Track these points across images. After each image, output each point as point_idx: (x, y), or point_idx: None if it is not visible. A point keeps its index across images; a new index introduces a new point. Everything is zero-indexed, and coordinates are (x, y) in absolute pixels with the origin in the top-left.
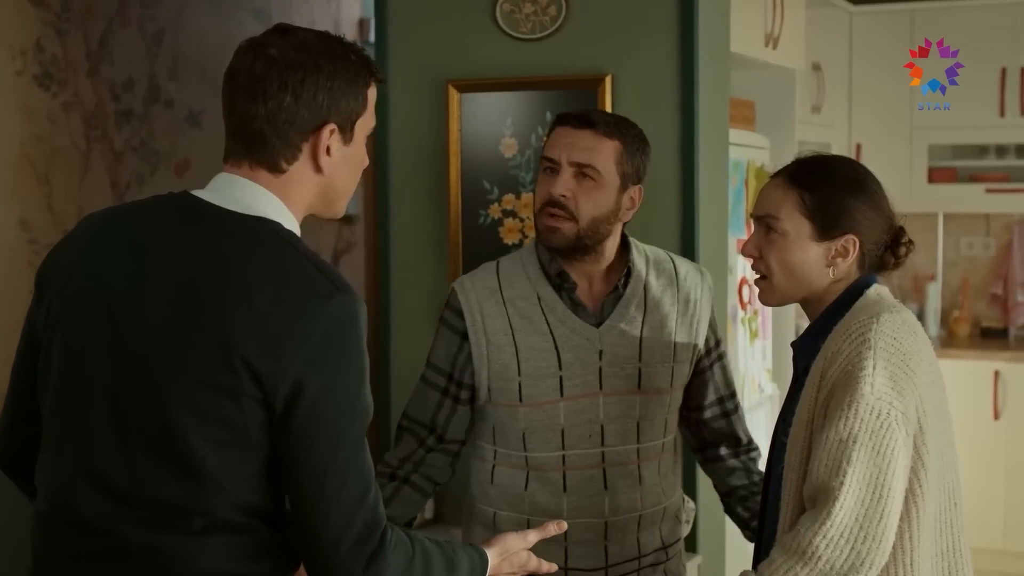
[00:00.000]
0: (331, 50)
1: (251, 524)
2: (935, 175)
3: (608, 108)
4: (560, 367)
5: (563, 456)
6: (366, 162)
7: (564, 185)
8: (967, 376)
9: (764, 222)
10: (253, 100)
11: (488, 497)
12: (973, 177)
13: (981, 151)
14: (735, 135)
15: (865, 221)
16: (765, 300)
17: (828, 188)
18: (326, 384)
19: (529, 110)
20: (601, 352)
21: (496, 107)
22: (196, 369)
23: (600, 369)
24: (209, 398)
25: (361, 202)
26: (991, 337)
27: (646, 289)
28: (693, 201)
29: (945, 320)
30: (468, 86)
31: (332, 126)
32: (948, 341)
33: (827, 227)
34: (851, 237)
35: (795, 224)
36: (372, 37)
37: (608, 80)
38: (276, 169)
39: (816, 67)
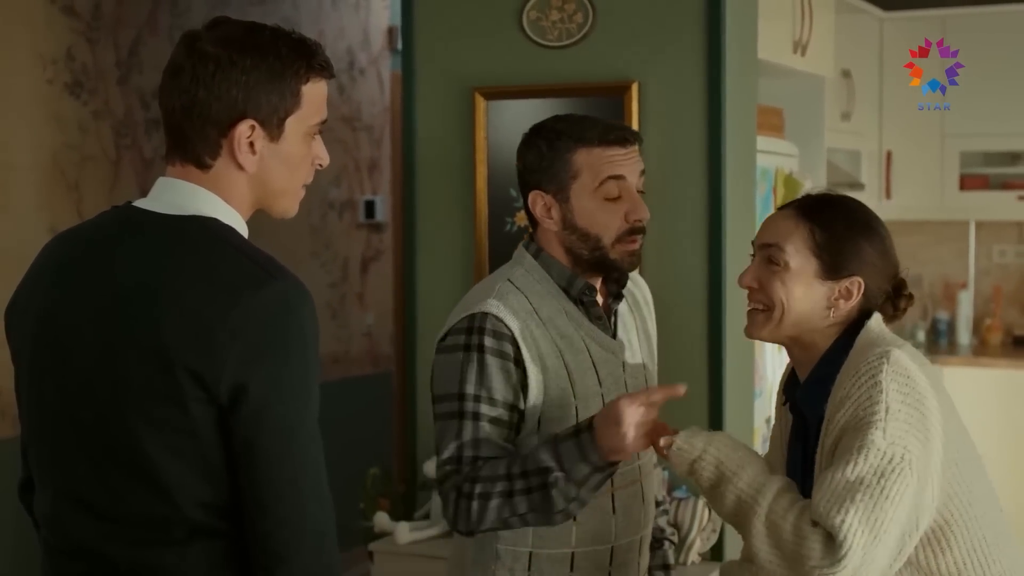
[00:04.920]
0: (254, 43)
1: (230, 528)
2: (966, 182)
3: (635, 115)
4: (600, 384)
5: (612, 477)
6: (321, 158)
7: (644, 205)
8: (999, 385)
9: (767, 252)
10: (170, 93)
11: (522, 537)
12: (1005, 184)
13: (1013, 158)
14: (763, 142)
15: (872, 266)
16: (753, 332)
17: (840, 227)
18: (268, 377)
19: None
20: (624, 364)
21: (523, 114)
22: (139, 380)
23: (625, 382)
24: (157, 407)
25: (389, 210)
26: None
27: (628, 296)
28: (720, 209)
29: (977, 328)
30: (495, 93)
31: (251, 122)
32: (980, 349)
33: (835, 267)
34: (857, 280)
35: (801, 259)
36: (400, 45)
37: (635, 87)
38: (202, 165)
39: (846, 74)
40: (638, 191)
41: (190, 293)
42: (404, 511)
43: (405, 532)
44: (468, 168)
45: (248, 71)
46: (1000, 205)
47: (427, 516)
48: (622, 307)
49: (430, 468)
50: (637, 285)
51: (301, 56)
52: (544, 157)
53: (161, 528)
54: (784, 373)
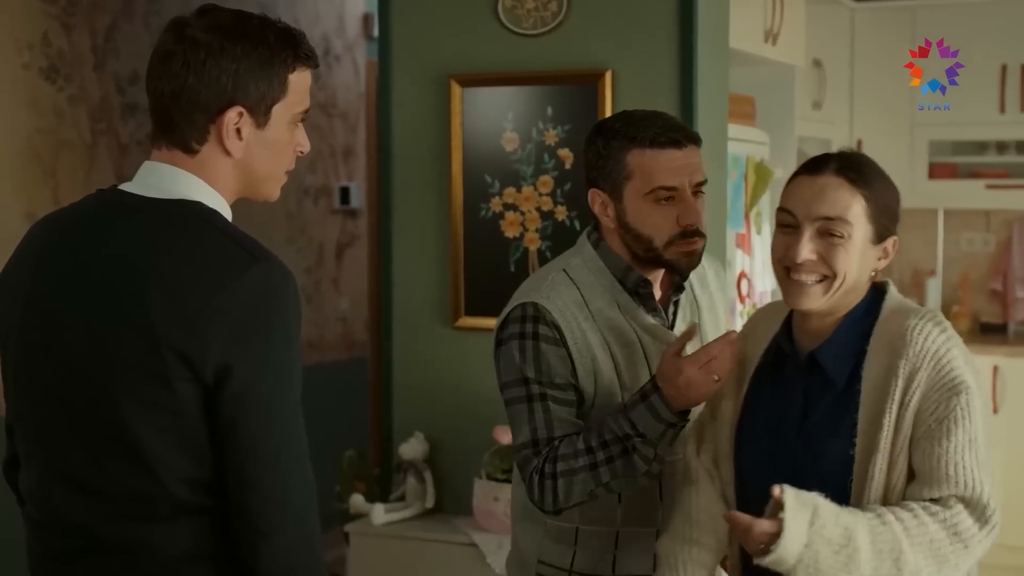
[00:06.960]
0: (244, 31)
1: (214, 504)
2: (935, 171)
3: (608, 103)
4: (651, 374)
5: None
6: (302, 146)
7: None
8: None
9: (827, 225)
10: (159, 79)
11: (567, 512)
12: (973, 173)
13: (981, 147)
14: (735, 130)
15: (899, 223)
16: (810, 303)
17: (883, 189)
18: (253, 358)
19: (530, 105)
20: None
21: (497, 102)
22: (127, 360)
23: None
24: (144, 386)
25: (364, 196)
26: (990, 332)
27: (691, 284)
28: None
29: (944, 315)
30: (470, 81)
31: (239, 109)
32: None
33: (884, 230)
34: (895, 239)
35: (863, 228)
36: (376, 32)
37: (608, 75)
38: (189, 150)
39: (817, 63)
40: (696, 191)
41: (176, 275)
42: (380, 493)
43: (380, 513)
44: (443, 155)
45: (239, 59)
46: (968, 194)
47: (402, 498)
48: (684, 297)
49: (404, 451)
50: (708, 266)
51: (288, 45)
52: (600, 156)
53: (146, 504)
54: (761, 328)
